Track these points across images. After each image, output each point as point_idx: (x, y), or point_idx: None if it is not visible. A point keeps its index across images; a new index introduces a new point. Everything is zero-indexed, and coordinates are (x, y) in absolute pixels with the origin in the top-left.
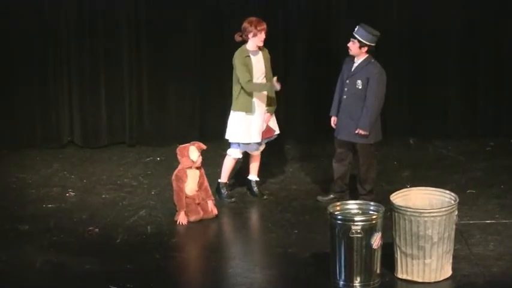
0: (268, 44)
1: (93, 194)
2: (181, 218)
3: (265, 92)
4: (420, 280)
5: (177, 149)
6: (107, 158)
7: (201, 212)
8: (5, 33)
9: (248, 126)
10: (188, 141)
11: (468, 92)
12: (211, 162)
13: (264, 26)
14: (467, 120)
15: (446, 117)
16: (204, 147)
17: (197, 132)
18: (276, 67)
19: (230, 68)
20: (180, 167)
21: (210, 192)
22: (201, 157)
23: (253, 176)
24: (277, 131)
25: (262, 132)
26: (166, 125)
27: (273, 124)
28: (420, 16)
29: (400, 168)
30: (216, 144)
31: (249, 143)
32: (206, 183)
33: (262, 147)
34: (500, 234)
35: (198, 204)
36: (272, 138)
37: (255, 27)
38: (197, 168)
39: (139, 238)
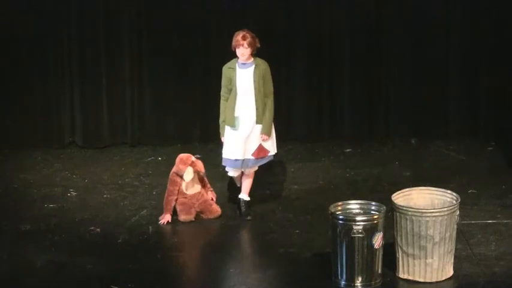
0: (268, 43)
1: (94, 194)
2: (165, 219)
3: (252, 107)
4: (422, 280)
5: (180, 155)
6: (108, 158)
7: (193, 214)
8: (5, 33)
9: (231, 141)
10: (189, 141)
11: (469, 92)
12: (211, 163)
13: (241, 42)
14: (469, 120)
15: (448, 117)
16: (202, 171)
17: (198, 132)
18: (276, 66)
19: None
20: (174, 169)
21: (208, 184)
22: (194, 178)
23: (242, 195)
24: (272, 152)
25: (255, 152)
26: (167, 125)
27: (268, 145)
28: (420, 16)
29: (401, 168)
30: (216, 144)
31: (227, 158)
32: (206, 181)
33: (249, 168)
34: (502, 234)
35: (194, 205)
36: (265, 161)
37: (234, 41)
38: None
39: (141, 238)
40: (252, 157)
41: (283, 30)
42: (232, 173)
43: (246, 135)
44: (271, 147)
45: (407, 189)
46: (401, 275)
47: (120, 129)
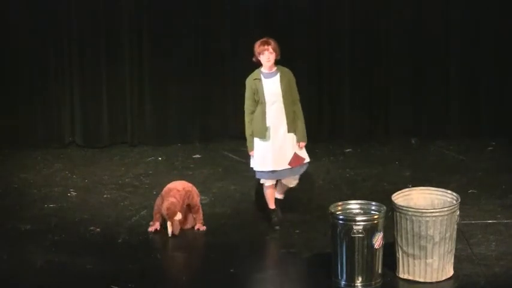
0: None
1: (94, 194)
2: (154, 227)
3: (282, 116)
4: (422, 280)
5: (172, 201)
6: (108, 158)
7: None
8: (6, 33)
9: (263, 153)
10: (189, 141)
11: (469, 92)
12: (211, 162)
13: (266, 47)
14: (469, 120)
15: (448, 117)
16: (176, 233)
17: (198, 131)
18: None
19: (232, 67)
20: (165, 202)
21: (200, 216)
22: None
23: (276, 194)
24: (307, 159)
25: (290, 160)
26: (167, 124)
27: (303, 152)
28: (420, 16)
29: (401, 168)
30: (216, 144)
31: (262, 171)
32: (198, 207)
33: (286, 177)
34: (502, 234)
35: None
36: (302, 169)
37: (257, 48)
38: (187, 191)
39: (141, 238)
40: (288, 166)
41: (283, 30)
42: (269, 182)
43: (278, 145)
44: (305, 154)
45: (407, 189)
46: (401, 275)
47: (120, 129)
